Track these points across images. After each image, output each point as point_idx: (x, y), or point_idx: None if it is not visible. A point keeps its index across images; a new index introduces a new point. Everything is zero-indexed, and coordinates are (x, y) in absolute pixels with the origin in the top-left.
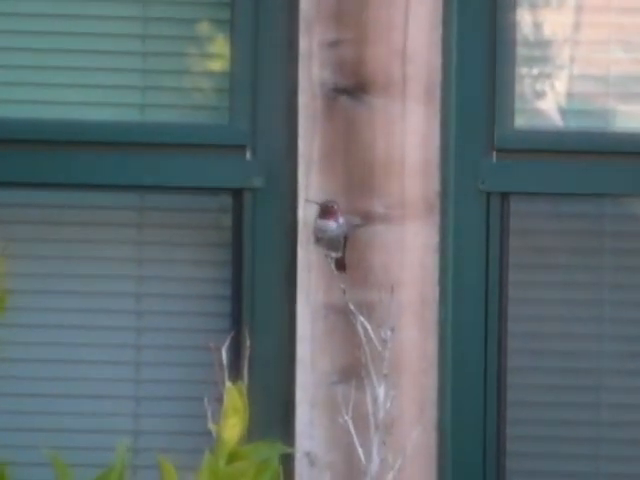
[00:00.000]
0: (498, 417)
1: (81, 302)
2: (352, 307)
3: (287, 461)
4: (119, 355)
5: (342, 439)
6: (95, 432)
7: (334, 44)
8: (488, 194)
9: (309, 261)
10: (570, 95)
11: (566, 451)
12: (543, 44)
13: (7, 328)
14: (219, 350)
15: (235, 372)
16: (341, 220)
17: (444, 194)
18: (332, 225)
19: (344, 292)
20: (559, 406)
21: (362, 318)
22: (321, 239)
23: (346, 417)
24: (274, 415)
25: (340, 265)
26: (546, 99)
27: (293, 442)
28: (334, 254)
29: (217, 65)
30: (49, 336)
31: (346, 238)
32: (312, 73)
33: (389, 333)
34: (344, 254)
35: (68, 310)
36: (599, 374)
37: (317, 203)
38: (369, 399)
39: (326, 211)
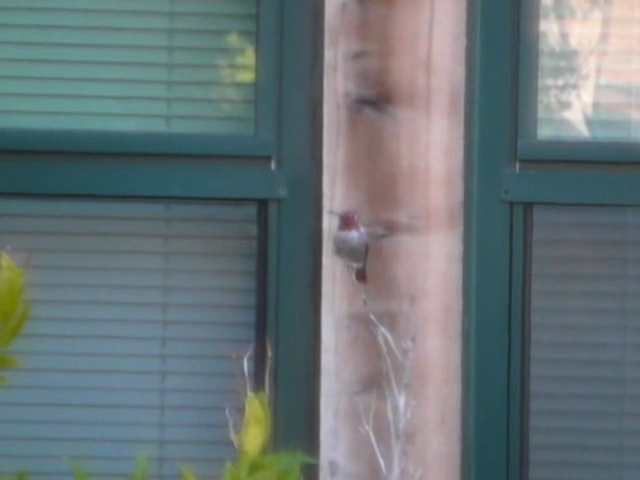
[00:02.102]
0: (521, 426)
1: (107, 312)
2: (373, 317)
3: (310, 471)
4: (144, 365)
5: (365, 449)
6: (120, 441)
7: (359, 55)
8: (511, 204)
9: (333, 271)
10: (593, 106)
11: (590, 460)
12: (566, 55)
13: (32, 338)
14: (241, 359)
15: (259, 382)
16: (362, 230)
17: (468, 204)
18: (354, 235)
19: (365, 303)
20: (583, 415)
21: (383, 328)
22: (342, 250)
23: (367, 427)
24: (298, 424)
25: (361, 275)
26: (569, 110)
27: (317, 452)
28: (355, 265)
29: (242, 76)
30: (74, 346)
31: (367, 248)
32: (337, 84)
33: (410, 343)
34: (365, 264)
35: (94, 320)
36: (623, 383)
37: (338, 214)
38: (390, 409)
39: (347, 222)
